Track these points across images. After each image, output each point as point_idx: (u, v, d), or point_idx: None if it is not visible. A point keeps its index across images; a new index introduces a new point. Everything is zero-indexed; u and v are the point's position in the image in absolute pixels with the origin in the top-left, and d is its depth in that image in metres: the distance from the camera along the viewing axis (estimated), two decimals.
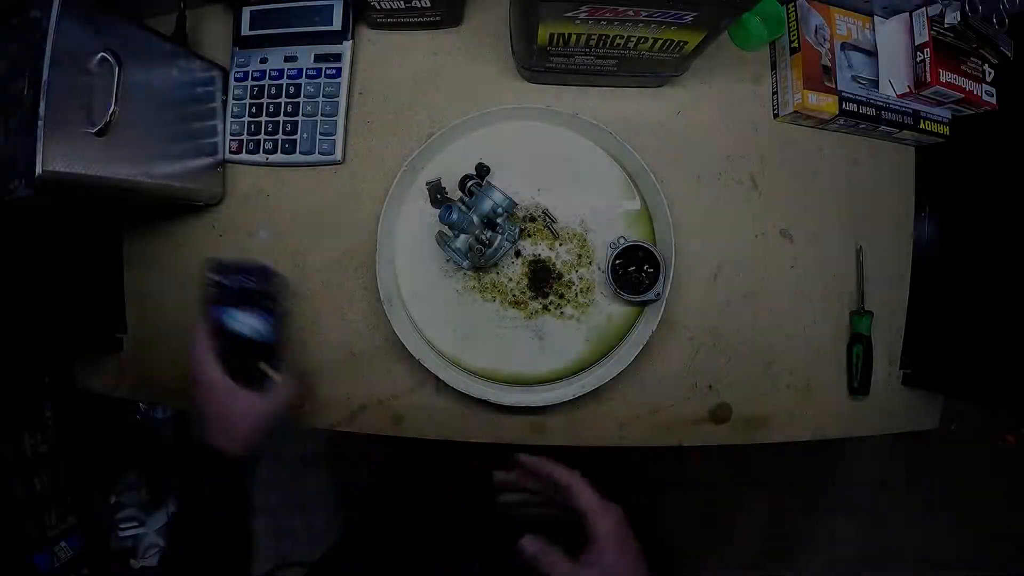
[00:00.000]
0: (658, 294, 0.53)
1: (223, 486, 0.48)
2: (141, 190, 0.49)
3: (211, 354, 0.47)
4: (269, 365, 0.49)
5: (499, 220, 0.51)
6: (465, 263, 0.51)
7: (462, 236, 0.51)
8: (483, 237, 0.51)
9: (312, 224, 0.61)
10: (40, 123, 0.39)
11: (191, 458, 0.49)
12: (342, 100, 0.58)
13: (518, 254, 0.57)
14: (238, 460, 0.48)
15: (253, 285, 0.49)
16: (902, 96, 0.59)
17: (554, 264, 0.57)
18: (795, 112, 0.58)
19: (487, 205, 0.50)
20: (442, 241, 0.51)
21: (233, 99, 0.60)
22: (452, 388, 0.56)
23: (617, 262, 0.54)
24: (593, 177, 0.57)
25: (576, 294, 0.57)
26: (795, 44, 0.58)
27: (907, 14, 0.57)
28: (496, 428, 0.61)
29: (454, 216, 0.48)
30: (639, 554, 0.41)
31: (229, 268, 0.48)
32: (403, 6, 0.55)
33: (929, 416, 0.67)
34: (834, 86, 0.57)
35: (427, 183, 0.54)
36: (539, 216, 0.57)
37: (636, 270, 0.55)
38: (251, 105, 0.59)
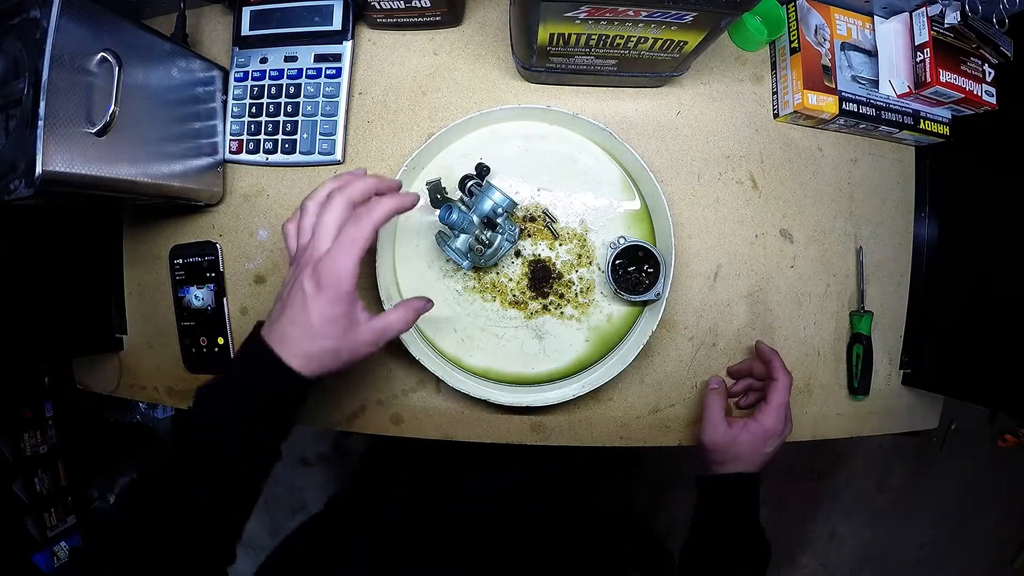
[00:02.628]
0: (658, 294, 0.53)
1: (273, 405, 0.40)
2: (141, 190, 0.49)
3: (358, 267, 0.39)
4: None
5: (499, 220, 0.51)
6: (465, 263, 0.51)
7: (462, 236, 0.50)
8: (483, 237, 0.51)
9: None
10: (40, 123, 0.39)
11: (241, 361, 0.41)
12: (342, 100, 0.58)
13: (518, 254, 0.57)
14: (303, 380, 0.39)
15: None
16: (902, 96, 0.59)
17: (554, 264, 0.57)
18: (795, 112, 0.58)
19: (487, 205, 0.50)
20: (442, 241, 0.51)
21: (233, 99, 0.60)
22: (452, 388, 0.56)
23: (617, 262, 0.54)
24: (593, 177, 0.57)
25: (576, 294, 0.57)
26: (795, 44, 0.58)
27: (907, 14, 0.57)
28: (496, 428, 0.61)
29: (454, 216, 0.48)
30: (788, 419, 0.54)
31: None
32: (403, 6, 0.55)
33: (929, 416, 0.67)
34: (834, 86, 0.57)
35: (427, 183, 0.54)
36: (539, 216, 0.57)
37: (636, 270, 0.55)
38: (251, 105, 0.59)
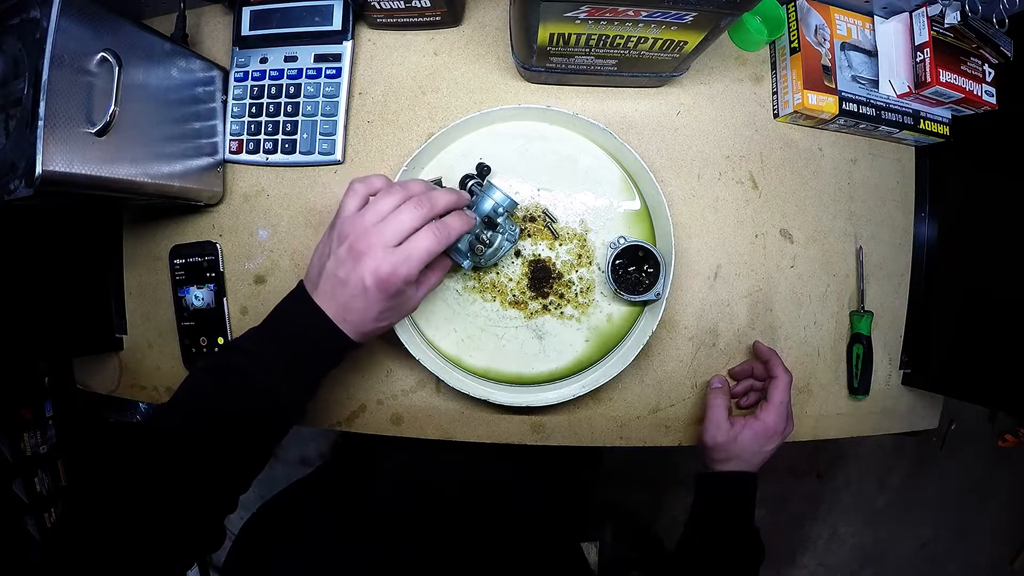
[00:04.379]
0: (658, 294, 0.53)
1: (324, 362, 0.43)
2: (141, 190, 0.49)
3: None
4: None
5: (500, 220, 0.51)
6: (466, 263, 0.51)
7: (463, 236, 0.50)
8: (484, 237, 0.51)
9: (312, 224, 0.61)
10: (40, 123, 0.39)
11: (285, 316, 0.43)
12: (342, 100, 0.58)
13: (518, 254, 0.57)
14: (353, 345, 0.42)
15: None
16: (902, 96, 0.59)
17: (554, 264, 0.57)
18: (795, 112, 0.58)
19: (488, 205, 0.50)
20: None
21: (233, 99, 0.60)
22: (452, 388, 0.56)
23: (617, 262, 0.54)
24: (593, 177, 0.57)
25: (576, 294, 0.57)
26: (795, 44, 0.58)
27: (907, 14, 0.57)
28: (496, 428, 0.61)
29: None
30: (790, 418, 0.54)
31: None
32: (403, 6, 0.55)
33: (929, 416, 0.67)
34: (834, 86, 0.57)
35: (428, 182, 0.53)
36: (539, 216, 0.57)
37: (636, 270, 0.55)
38: (251, 105, 0.59)
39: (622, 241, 0.54)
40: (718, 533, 0.53)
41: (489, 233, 0.51)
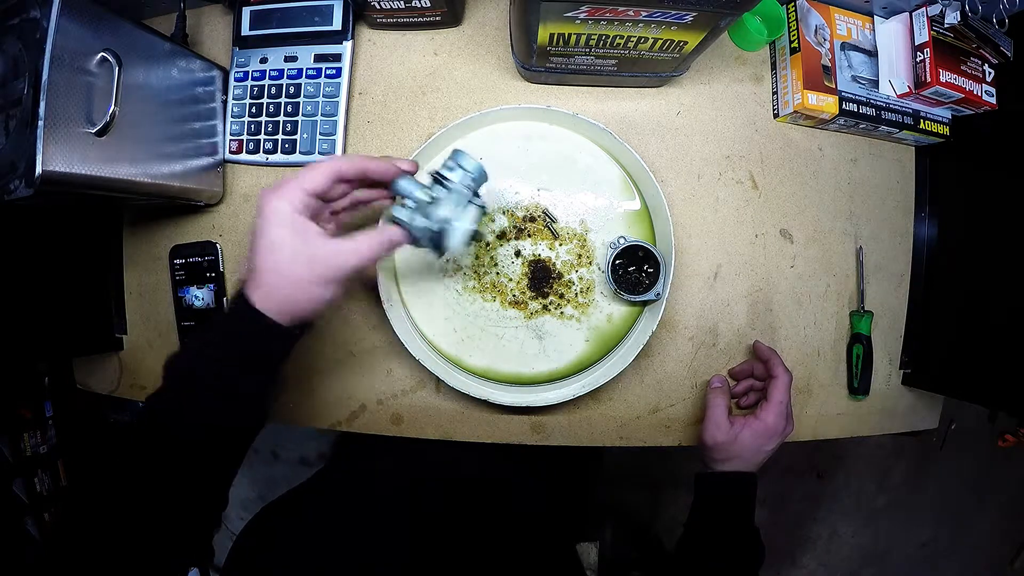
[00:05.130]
0: (658, 294, 0.53)
1: (254, 359, 0.39)
2: (141, 190, 0.49)
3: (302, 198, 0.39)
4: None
5: (449, 187, 0.44)
6: (423, 241, 0.44)
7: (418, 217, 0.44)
8: (418, 202, 0.44)
9: None
10: (40, 123, 0.39)
11: (219, 318, 0.42)
12: (342, 100, 0.58)
13: (518, 254, 0.57)
14: (281, 329, 0.39)
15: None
16: (902, 96, 0.59)
17: (554, 264, 0.57)
18: (795, 112, 0.58)
19: (456, 177, 0.44)
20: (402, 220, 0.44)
21: (233, 99, 0.60)
22: (452, 388, 0.56)
23: (617, 262, 0.54)
24: (593, 177, 0.57)
25: (576, 294, 0.57)
26: (795, 44, 0.58)
27: (907, 14, 0.57)
28: (496, 428, 0.61)
29: (401, 184, 0.43)
30: (790, 417, 0.54)
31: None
32: (403, 6, 0.55)
33: (929, 416, 0.67)
34: (834, 86, 0.57)
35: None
36: (539, 216, 0.57)
37: (636, 270, 0.55)
38: (251, 105, 0.59)
39: (622, 241, 0.54)
40: (718, 534, 0.52)
41: (443, 192, 0.44)
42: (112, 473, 0.39)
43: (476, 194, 0.45)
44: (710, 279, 0.61)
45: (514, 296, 0.57)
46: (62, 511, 0.41)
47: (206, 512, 0.41)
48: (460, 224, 0.44)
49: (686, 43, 0.47)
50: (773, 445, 0.53)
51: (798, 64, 0.57)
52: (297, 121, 0.59)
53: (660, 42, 0.46)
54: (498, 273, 0.57)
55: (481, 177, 0.45)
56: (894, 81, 0.59)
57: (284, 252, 0.38)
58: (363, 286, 0.59)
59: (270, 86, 0.59)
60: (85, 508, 0.38)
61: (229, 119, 0.60)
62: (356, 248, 0.40)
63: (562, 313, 0.57)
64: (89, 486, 0.39)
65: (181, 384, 0.39)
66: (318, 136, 0.58)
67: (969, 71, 0.56)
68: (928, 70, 0.55)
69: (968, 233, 0.61)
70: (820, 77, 0.57)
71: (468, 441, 0.61)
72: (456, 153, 0.44)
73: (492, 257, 0.57)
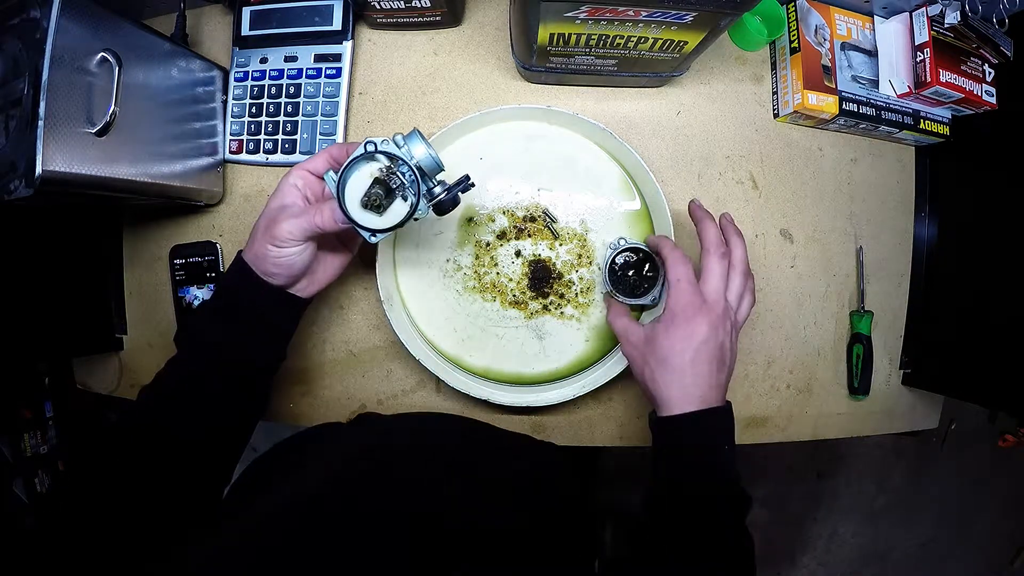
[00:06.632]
0: (655, 299, 0.53)
1: (256, 323, 0.43)
2: (141, 190, 0.49)
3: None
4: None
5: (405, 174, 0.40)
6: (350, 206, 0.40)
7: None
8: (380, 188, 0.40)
9: None
10: (40, 123, 0.39)
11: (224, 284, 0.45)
12: (342, 100, 0.58)
13: (518, 254, 0.57)
14: (256, 278, 0.42)
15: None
16: (902, 96, 0.59)
17: (554, 264, 0.57)
18: (795, 112, 0.58)
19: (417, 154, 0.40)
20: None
21: (233, 99, 0.60)
22: (452, 388, 0.56)
23: (616, 264, 0.54)
24: (593, 177, 0.57)
25: (576, 294, 0.57)
26: (795, 44, 0.58)
27: (907, 14, 0.57)
28: None
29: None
30: (718, 295, 0.42)
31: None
32: (403, 6, 0.55)
33: (929, 416, 0.67)
34: (834, 86, 0.57)
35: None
36: (539, 216, 0.57)
37: (636, 273, 0.55)
38: (251, 105, 0.59)
39: (622, 243, 0.54)
40: (682, 510, 0.40)
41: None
42: (118, 444, 0.41)
43: (426, 185, 0.40)
44: None
45: (514, 296, 0.57)
46: (61, 492, 0.42)
47: (211, 485, 0.43)
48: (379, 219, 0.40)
49: (686, 43, 0.47)
50: (711, 342, 0.40)
51: (798, 64, 0.57)
52: (297, 121, 0.59)
53: (660, 42, 0.46)
54: (498, 273, 0.57)
55: (431, 167, 0.40)
56: (894, 81, 0.59)
57: (262, 212, 0.42)
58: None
59: (270, 86, 0.59)
60: (88, 486, 0.39)
61: (229, 119, 0.60)
62: (301, 211, 0.41)
63: (562, 313, 0.57)
64: (91, 465, 0.40)
65: (186, 335, 0.44)
66: (318, 136, 0.58)
67: (969, 71, 0.56)
68: (928, 70, 0.55)
69: (968, 233, 0.61)
70: (820, 77, 0.57)
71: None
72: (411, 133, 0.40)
73: (492, 257, 0.57)
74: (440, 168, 0.41)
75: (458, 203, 0.43)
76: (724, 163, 0.61)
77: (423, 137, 0.40)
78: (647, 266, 0.54)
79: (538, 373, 0.58)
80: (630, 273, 0.54)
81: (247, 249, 0.43)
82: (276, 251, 0.40)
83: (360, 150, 0.39)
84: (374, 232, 0.40)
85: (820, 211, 0.62)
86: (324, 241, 0.45)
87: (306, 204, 0.42)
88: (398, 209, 0.40)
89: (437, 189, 0.41)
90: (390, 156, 0.39)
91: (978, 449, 1.66)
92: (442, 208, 0.42)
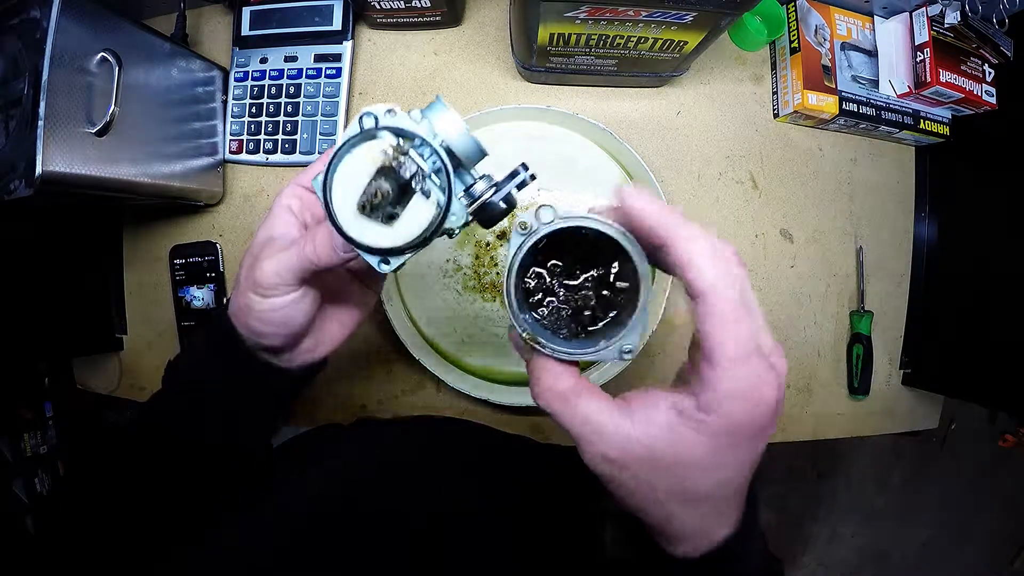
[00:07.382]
0: (630, 348, 0.24)
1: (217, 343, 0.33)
2: (141, 190, 0.49)
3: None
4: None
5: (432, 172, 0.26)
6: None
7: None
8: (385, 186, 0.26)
9: None
10: (40, 123, 0.39)
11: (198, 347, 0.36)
12: (342, 100, 0.58)
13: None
14: (243, 346, 0.32)
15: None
16: (902, 96, 0.59)
17: None
18: (795, 112, 0.58)
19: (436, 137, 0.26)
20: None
21: (233, 99, 0.60)
22: (452, 388, 0.56)
23: (537, 270, 0.27)
24: (593, 177, 0.57)
25: None
26: (795, 44, 0.58)
27: (907, 14, 0.57)
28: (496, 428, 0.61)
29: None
30: (771, 377, 0.21)
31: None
32: (403, 6, 0.55)
33: (929, 416, 0.67)
34: (834, 86, 0.57)
35: None
36: None
37: (585, 285, 0.27)
38: (251, 105, 0.59)
39: (554, 220, 0.24)
40: None
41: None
42: (112, 466, 0.38)
43: (460, 179, 0.28)
44: None
45: None
46: (59, 501, 0.40)
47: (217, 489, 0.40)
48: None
49: (686, 43, 0.47)
50: (760, 446, 0.22)
51: (798, 64, 0.57)
52: (297, 121, 0.59)
53: (660, 42, 0.46)
54: (498, 273, 0.57)
55: (467, 152, 0.27)
56: (894, 81, 0.59)
57: (249, 245, 0.31)
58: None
59: (270, 86, 0.59)
60: (83, 501, 0.38)
61: (229, 119, 0.60)
62: (292, 242, 0.29)
63: None
64: (86, 481, 0.38)
65: (174, 387, 0.37)
66: (318, 136, 0.58)
67: (969, 71, 0.56)
68: (928, 70, 0.55)
69: (968, 233, 0.61)
70: (820, 77, 0.57)
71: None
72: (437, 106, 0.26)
73: (492, 257, 0.57)
74: (482, 153, 0.27)
75: (514, 206, 0.27)
76: (724, 163, 0.61)
77: (451, 108, 0.26)
78: (612, 266, 0.26)
79: None
80: (572, 286, 0.27)
81: (232, 298, 0.32)
82: (261, 302, 0.29)
83: (354, 127, 0.25)
84: (385, 255, 0.26)
85: (820, 211, 0.62)
86: (332, 280, 0.34)
87: (302, 232, 0.31)
88: (419, 211, 0.25)
89: (479, 185, 0.27)
90: (400, 133, 0.25)
91: (978, 449, 1.66)
92: (491, 214, 0.27)
